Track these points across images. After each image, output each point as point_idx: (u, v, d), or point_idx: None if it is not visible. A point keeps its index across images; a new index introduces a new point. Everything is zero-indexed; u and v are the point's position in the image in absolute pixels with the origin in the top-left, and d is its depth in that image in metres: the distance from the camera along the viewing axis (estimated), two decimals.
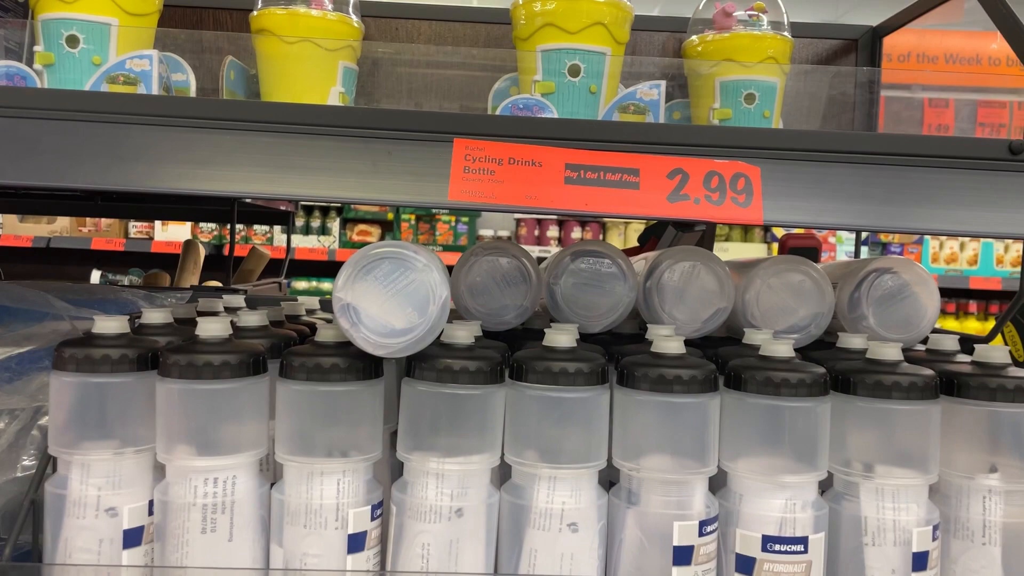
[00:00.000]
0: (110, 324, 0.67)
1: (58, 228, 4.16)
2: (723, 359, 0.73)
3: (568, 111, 0.80)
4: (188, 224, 4.29)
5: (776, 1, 0.96)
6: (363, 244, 4.42)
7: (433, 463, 0.65)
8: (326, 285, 4.39)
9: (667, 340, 0.67)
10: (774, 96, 0.92)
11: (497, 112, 0.79)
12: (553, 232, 4.44)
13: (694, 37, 0.95)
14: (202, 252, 1.65)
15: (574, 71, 0.81)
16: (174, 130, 0.69)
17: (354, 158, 0.68)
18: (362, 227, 4.46)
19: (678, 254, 0.79)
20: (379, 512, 0.67)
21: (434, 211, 4.38)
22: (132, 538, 0.65)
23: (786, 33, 0.93)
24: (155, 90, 0.79)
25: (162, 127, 0.69)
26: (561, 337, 0.68)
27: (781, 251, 1.07)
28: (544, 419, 0.66)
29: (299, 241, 4.30)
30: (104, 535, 0.64)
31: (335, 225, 4.40)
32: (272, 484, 0.68)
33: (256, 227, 4.34)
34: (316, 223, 4.44)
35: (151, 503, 0.66)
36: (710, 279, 0.78)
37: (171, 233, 4.32)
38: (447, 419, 0.65)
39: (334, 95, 0.91)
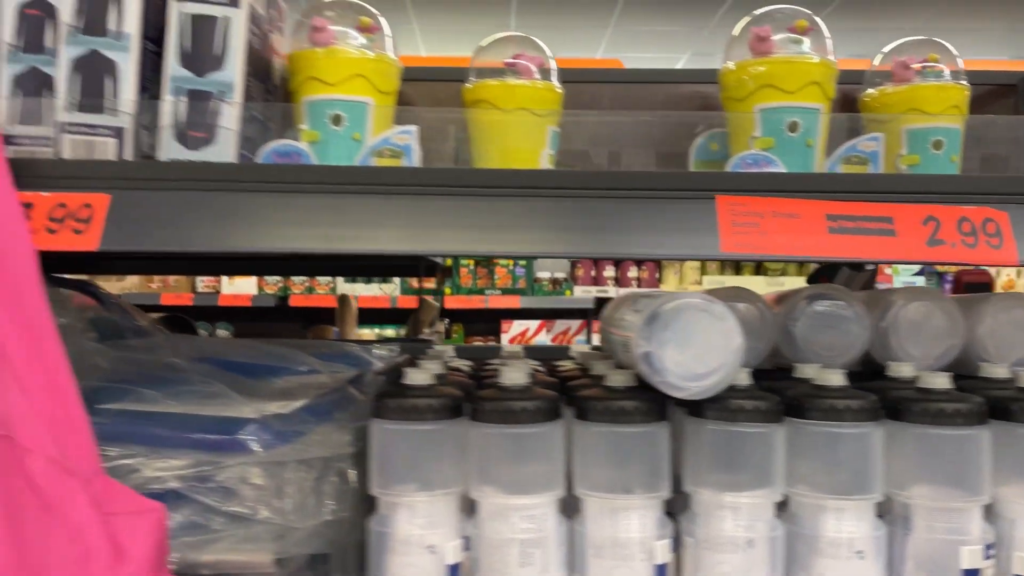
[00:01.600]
0: (420, 375, 0.73)
1: (128, 285, 4.27)
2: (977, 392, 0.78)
3: (789, 164, 0.87)
4: (253, 278, 4.40)
5: (949, 50, 1.02)
6: (426, 291, 4.49)
7: (728, 498, 0.70)
8: (388, 332, 4.46)
9: (934, 377, 0.73)
10: (958, 141, 0.98)
11: (728, 168, 0.86)
12: (610, 272, 4.50)
13: (872, 90, 1.02)
14: (355, 306, 1.73)
15: (793, 127, 0.88)
16: (450, 199, 0.76)
17: (632, 216, 0.75)
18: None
19: (908, 294, 0.84)
20: (675, 544, 0.72)
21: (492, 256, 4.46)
22: (453, 573, 0.70)
23: (964, 81, 0.99)
24: (415, 162, 0.86)
25: (432, 196, 0.76)
26: (833, 377, 0.73)
27: (956, 288, 1.13)
28: (824, 454, 0.71)
29: (362, 290, 4.39)
30: (429, 570, 0.69)
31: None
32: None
33: (319, 277, 4.44)
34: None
35: (465, 539, 0.71)
36: (942, 317, 0.83)
37: (237, 287, 4.42)
38: (736, 456, 0.71)
39: (544, 157, 0.98)
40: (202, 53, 0.78)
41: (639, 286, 4.44)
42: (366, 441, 0.78)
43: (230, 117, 0.79)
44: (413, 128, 0.86)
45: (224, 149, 0.79)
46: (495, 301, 4.43)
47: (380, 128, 0.89)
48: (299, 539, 0.75)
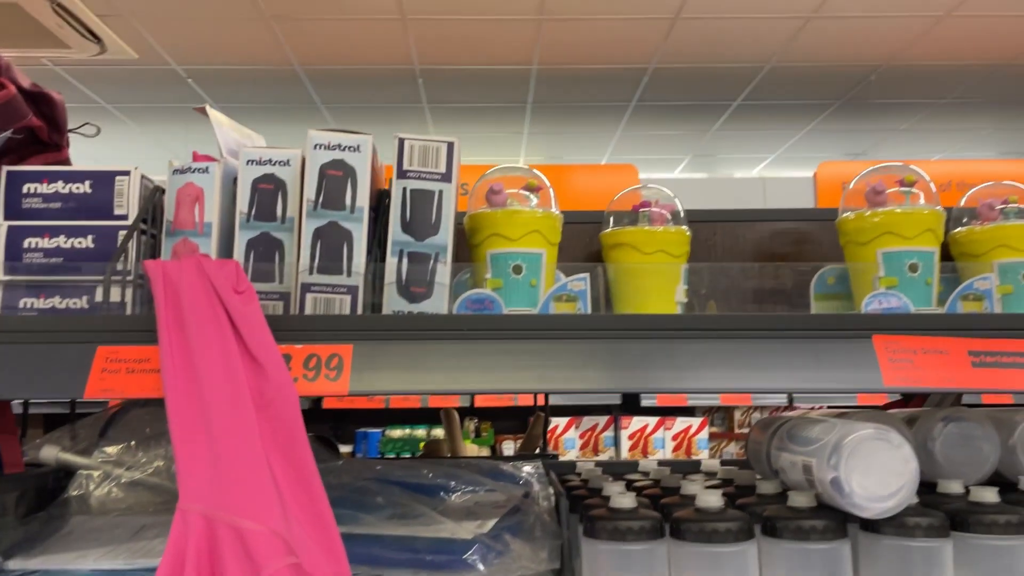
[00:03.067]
0: (626, 500, 0.84)
1: None
2: None
3: (913, 300, 1.00)
4: None
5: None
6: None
7: None
8: (419, 432, 4.50)
9: None
10: None
11: (864, 306, 0.98)
12: None
13: (961, 228, 1.16)
14: (457, 419, 1.82)
15: (913, 268, 1.01)
16: (647, 342, 0.88)
17: (800, 355, 0.87)
18: None
19: None
20: None
21: None
22: None
23: None
24: (588, 305, 0.99)
25: (628, 340, 0.88)
26: (988, 494, 0.84)
27: None
28: (990, 565, 0.81)
29: None
30: None
31: None
32: None
33: None
34: None
35: None
36: None
37: None
38: (910, 569, 0.81)
39: (680, 292, 1.11)
40: (420, 220, 0.91)
41: None
42: (563, 558, 0.88)
43: (444, 274, 0.91)
44: (586, 275, 0.99)
45: (439, 302, 0.91)
46: (523, 399, 4.50)
47: (549, 274, 1.02)
48: None
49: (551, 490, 1.07)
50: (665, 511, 0.88)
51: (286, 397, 0.81)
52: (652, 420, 4.39)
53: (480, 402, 4.40)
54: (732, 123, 5.81)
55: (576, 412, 4.66)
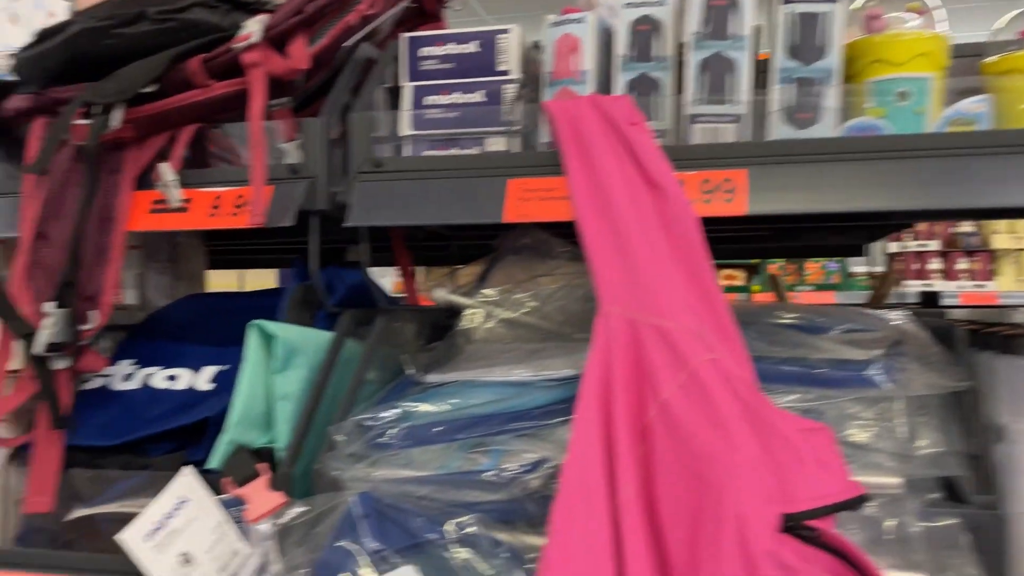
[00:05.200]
0: None
1: None
2: None
3: None
4: None
5: None
6: (729, 288, 4.51)
7: None
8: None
9: None
10: None
11: None
12: (935, 264, 4.24)
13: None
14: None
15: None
16: None
17: None
18: (728, 272, 4.56)
19: None
20: None
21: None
22: None
23: None
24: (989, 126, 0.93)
25: None
26: None
27: None
28: None
29: None
30: None
31: None
32: None
33: None
34: None
35: None
36: None
37: None
38: None
39: None
40: (807, 45, 0.91)
41: (971, 279, 4.13)
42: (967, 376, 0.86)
43: (832, 98, 0.90)
44: (987, 96, 0.93)
45: (826, 127, 0.90)
46: (807, 298, 4.34)
47: (936, 102, 0.97)
48: (921, 465, 0.84)
49: (926, 331, 1.04)
50: None
51: (687, 218, 0.86)
52: None
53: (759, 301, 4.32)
54: None
55: None
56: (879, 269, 4.40)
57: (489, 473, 0.88)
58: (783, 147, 0.88)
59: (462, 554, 0.83)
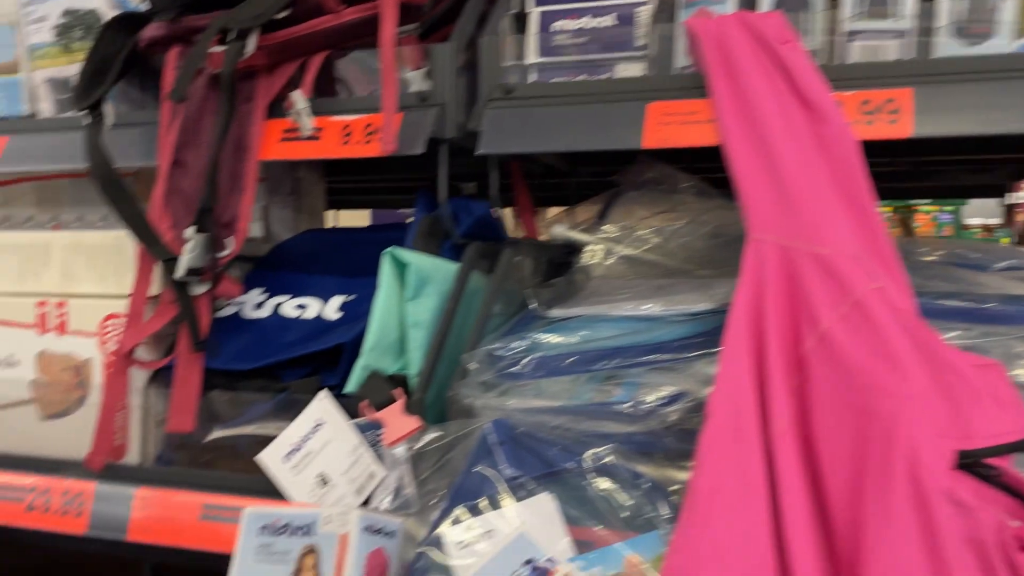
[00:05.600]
0: None
1: None
2: None
3: None
4: None
5: None
6: None
7: None
8: None
9: None
10: None
11: None
12: None
13: None
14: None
15: None
16: None
17: None
18: None
19: None
20: None
21: (911, 202, 4.18)
22: None
23: None
24: None
25: None
26: None
27: None
28: None
29: None
30: None
31: None
32: None
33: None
34: None
35: None
36: None
37: None
38: None
39: None
40: None
41: None
42: None
43: (1007, 10, 0.82)
44: None
45: (1001, 41, 0.83)
46: None
47: None
48: None
49: None
50: None
51: (845, 140, 0.81)
52: None
53: None
54: None
55: None
56: (994, 221, 4.17)
57: (626, 405, 0.86)
58: (953, 65, 0.82)
59: (601, 484, 0.82)
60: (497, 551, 0.73)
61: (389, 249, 0.97)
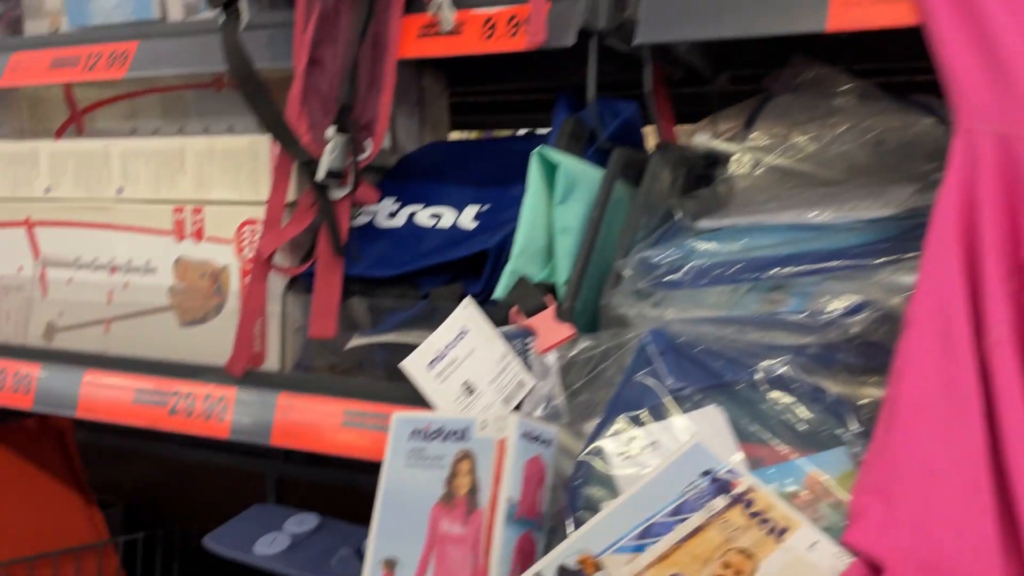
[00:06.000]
0: None
1: None
2: None
3: None
4: None
5: None
6: None
7: None
8: None
9: None
10: None
11: None
12: None
13: None
14: None
15: None
16: None
17: None
18: None
19: None
20: None
21: None
22: None
23: None
24: None
25: None
26: None
27: None
28: None
29: None
30: None
31: None
32: None
33: None
34: None
35: None
36: None
37: None
38: None
39: None
40: None
41: None
42: None
43: None
44: None
45: None
46: None
47: None
48: None
49: None
50: None
51: None
52: None
53: None
54: None
55: None
56: None
57: (802, 315, 0.80)
58: None
59: (776, 397, 0.76)
60: (671, 462, 0.69)
61: (538, 149, 0.92)
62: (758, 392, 0.77)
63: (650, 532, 0.65)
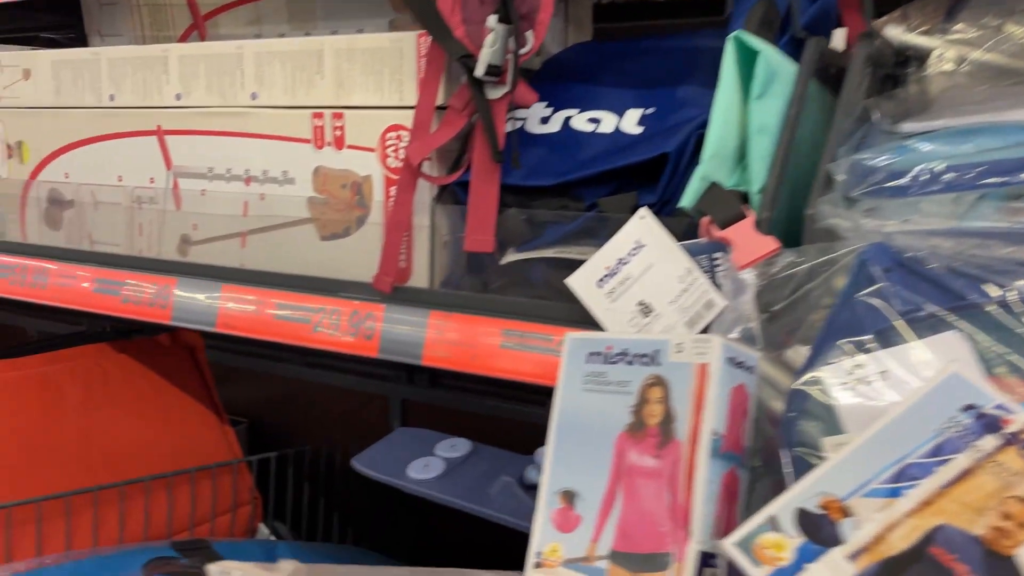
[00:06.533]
0: None
1: None
2: None
3: None
4: None
5: None
6: None
7: None
8: None
9: None
10: None
11: None
12: None
13: None
14: None
15: None
16: None
17: None
18: None
19: None
20: None
21: None
22: None
23: None
24: None
25: None
26: None
27: None
28: None
29: None
30: None
31: None
32: None
33: None
34: None
35: None
36: None
37: None
38: None
39: None
40: None
41: None
42: None
43: None
44: None
45: None
46: None
47: None
48: None
49: None
50: None
51: None
52: None
53: None
54: None
55: None
56: None
57: None
58: None
59: None
60: (924, 392, 0.58)
61: (736, 33, 0.80)
62: (1014, 315, 0.65)
63: (905, 474, 0.55)
